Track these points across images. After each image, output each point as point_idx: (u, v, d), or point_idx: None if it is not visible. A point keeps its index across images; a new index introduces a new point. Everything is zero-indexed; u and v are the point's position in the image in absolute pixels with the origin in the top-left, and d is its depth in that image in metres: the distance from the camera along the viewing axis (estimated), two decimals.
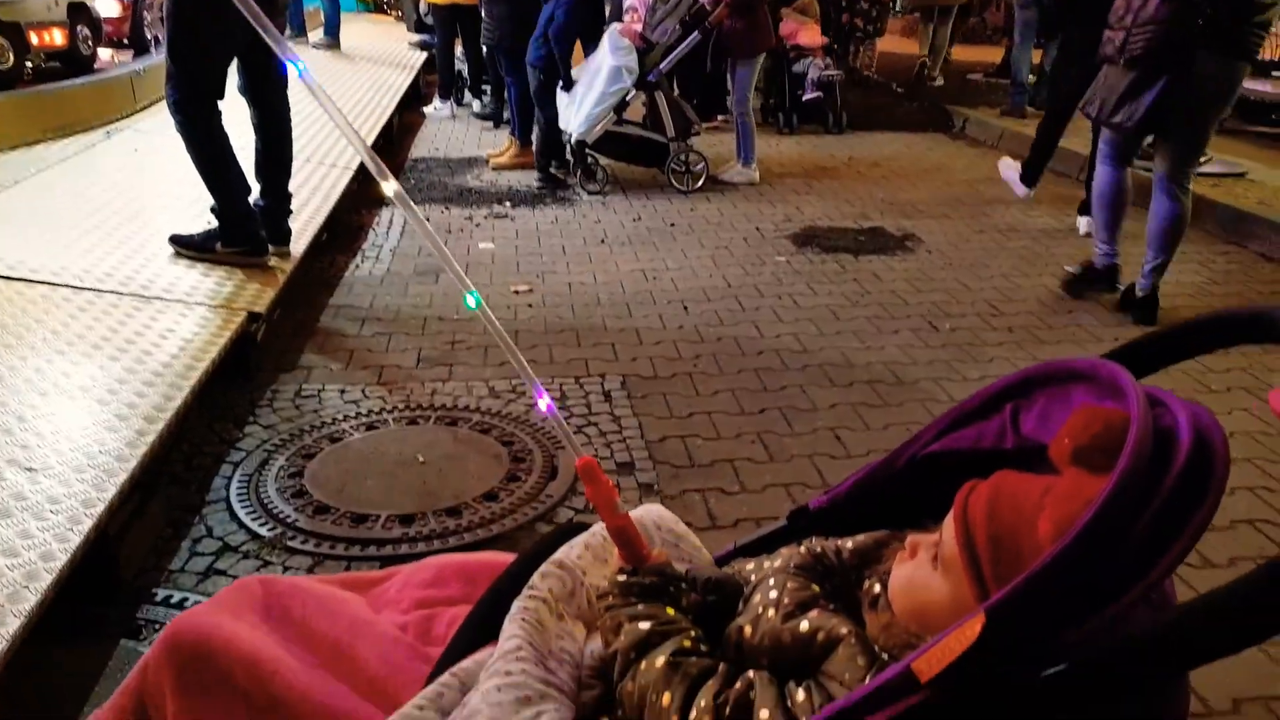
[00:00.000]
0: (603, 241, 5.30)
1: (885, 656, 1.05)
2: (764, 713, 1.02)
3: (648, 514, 1.46)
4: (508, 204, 5.99)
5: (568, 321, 4.17)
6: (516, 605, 1.24)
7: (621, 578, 1.22)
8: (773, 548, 1.41)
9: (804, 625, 1.10)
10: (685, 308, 4.37)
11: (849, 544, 1.27)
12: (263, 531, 2.62)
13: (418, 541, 2.60)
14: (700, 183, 6.37)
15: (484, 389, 3.49)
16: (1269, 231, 5.27)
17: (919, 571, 1.10)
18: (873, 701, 0.93)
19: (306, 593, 1.35)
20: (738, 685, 1.06)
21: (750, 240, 5.37)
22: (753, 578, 1.30)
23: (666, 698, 1.07)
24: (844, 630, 1.08)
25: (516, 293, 4.47)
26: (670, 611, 1.18)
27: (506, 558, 1.54)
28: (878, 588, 1.17)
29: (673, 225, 5.63)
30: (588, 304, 4.38)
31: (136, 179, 5.03)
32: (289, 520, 2.67)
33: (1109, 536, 0.90)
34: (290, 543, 2.58)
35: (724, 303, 4.42)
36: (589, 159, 6.40)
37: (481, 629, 1.24)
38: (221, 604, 1.34)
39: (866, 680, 1.01)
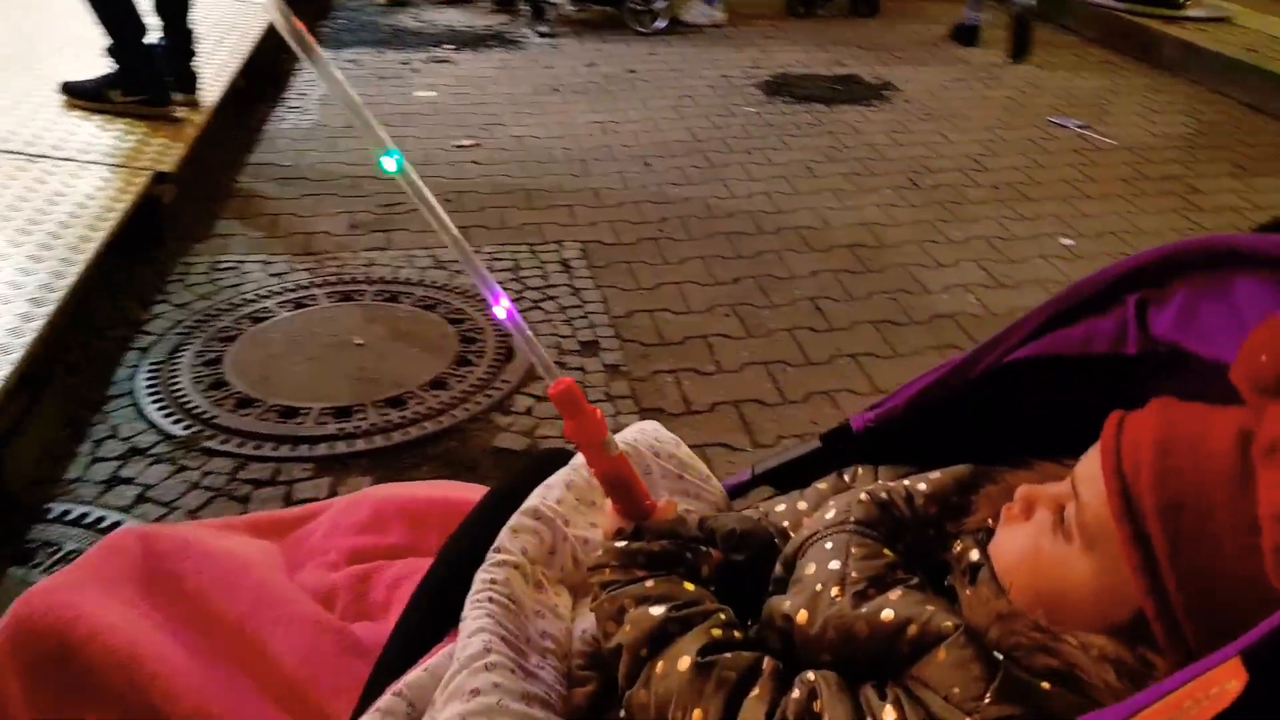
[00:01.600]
0: (555, 90, 4.83)
1: (1002, 658, 0.77)
2: None
3: (642, 438, 1.17)
4: (449, 47, 5.44)
5: (518, 181, 3.77)
6: (481, 576, 0.94)
7: (621, 543, 0.93)
8: (805, 479, 1.15)
9: (887, 613, 0.83)
10: (647, 164, 3.98)
11: (922, 486, 0.99)
12: (176, 430, 2.29)
13: (356, 438, 2.29)
14: (662, 23, 5.85)
15: (427, 259, 3.12)
16: (1258, 81, 4.95)
17: (1045, 541, 0.84)
18: None
19: (201, 554, 1.04)
20: (795, 694, 0.79)
21: (717, 88, 4.94)
22: (792, 532, 1.02)
23: (698, 714, 0.79)
24: (947, 624, 0.80)
25: (459, 148, 4.03)
26: (689, 587, 0.90)
27: (462, 491, 1.24)
28: (975, 553, 0.90)
29: (632, 72, 5.15)
30: (540, 161, 3.97)
31: (21, 17, 4.43)
32: (206, 416, 2.33)
33: None
34: (208, 443, 2.25)
35: (690, 159, 4.04)
36: None
37: (433, 611, 0.95)
38: (89, 574, 1.02)
39: (986, 698, 0.74)
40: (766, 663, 0.83)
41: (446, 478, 2.16)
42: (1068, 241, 3.46)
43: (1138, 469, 0.77)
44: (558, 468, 1.12)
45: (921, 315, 2.97)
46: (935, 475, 1.02)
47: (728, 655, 0.83)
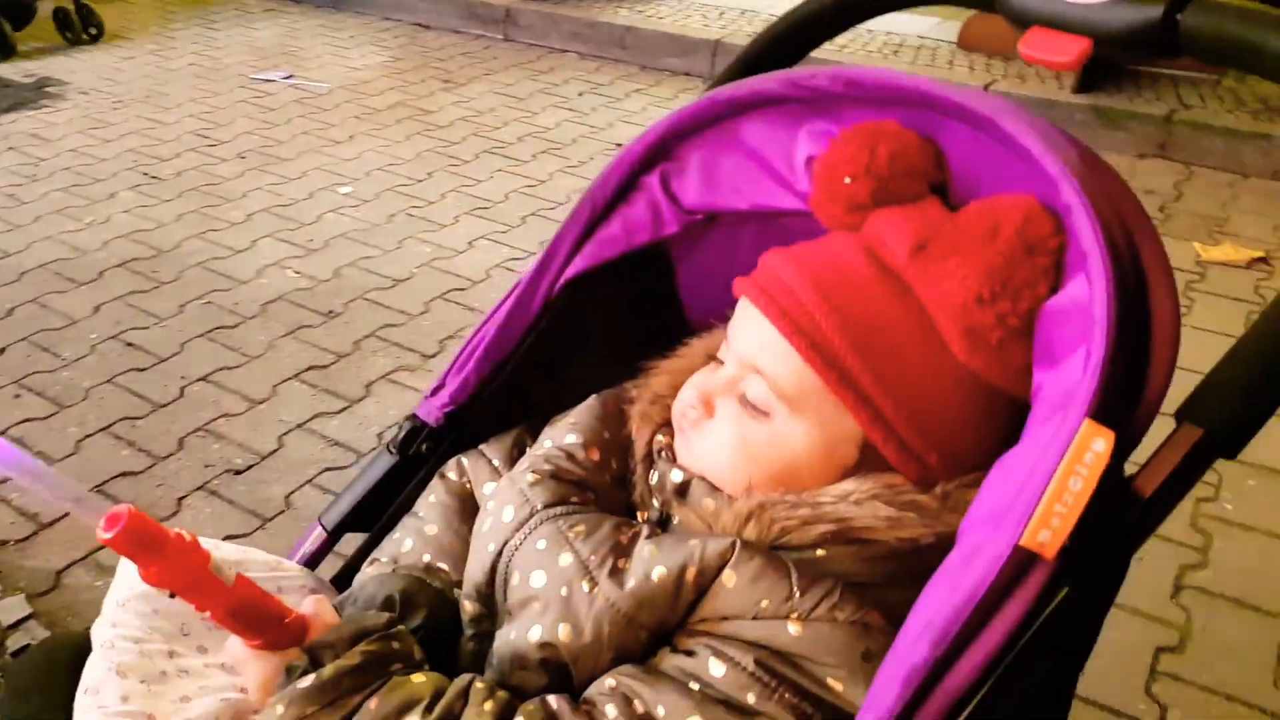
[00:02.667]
0: None
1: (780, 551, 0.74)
2: None
3: (216, 550, 0.80)
4: None
5: None
6: None
7: (305, 682, 0.69)
8: (401, 503, 0.98)
9: (658, 571, 0.73)
10: None
11: (572, 438, 0.88)
12: None
13: None
14: None
15: None
16: (416, 1, 5.23)
17: (746, 428, 0.79)
18: (982, 612, 0.59)
19: None
20: (611, 712, 0.70)
21: None
22: (446, 568, 0.89)
23: None
24: (719, 547, 0.73)
25: None
26: (418, 679, 0.72)
27: None
28: (676, 474, 0.82)
29: None
30: None
31: None
32: None
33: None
34: None
35: None
36: None
37: None
38: None
39: (796, 593, 0.70)
40: (558, 702, 0.71)
41: None
42: (346, 189, 3.32)
43: (814, 320, 0.76)
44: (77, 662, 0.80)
45: (250, 308, 2.62)
46: (570, 421, 0.90)
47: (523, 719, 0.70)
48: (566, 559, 0.76)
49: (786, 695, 0.68)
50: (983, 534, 0.63)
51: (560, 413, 0.96)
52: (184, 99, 4.09)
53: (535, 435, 0.95)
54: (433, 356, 2.46)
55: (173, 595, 0.69)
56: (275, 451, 2.10)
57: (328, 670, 0.70)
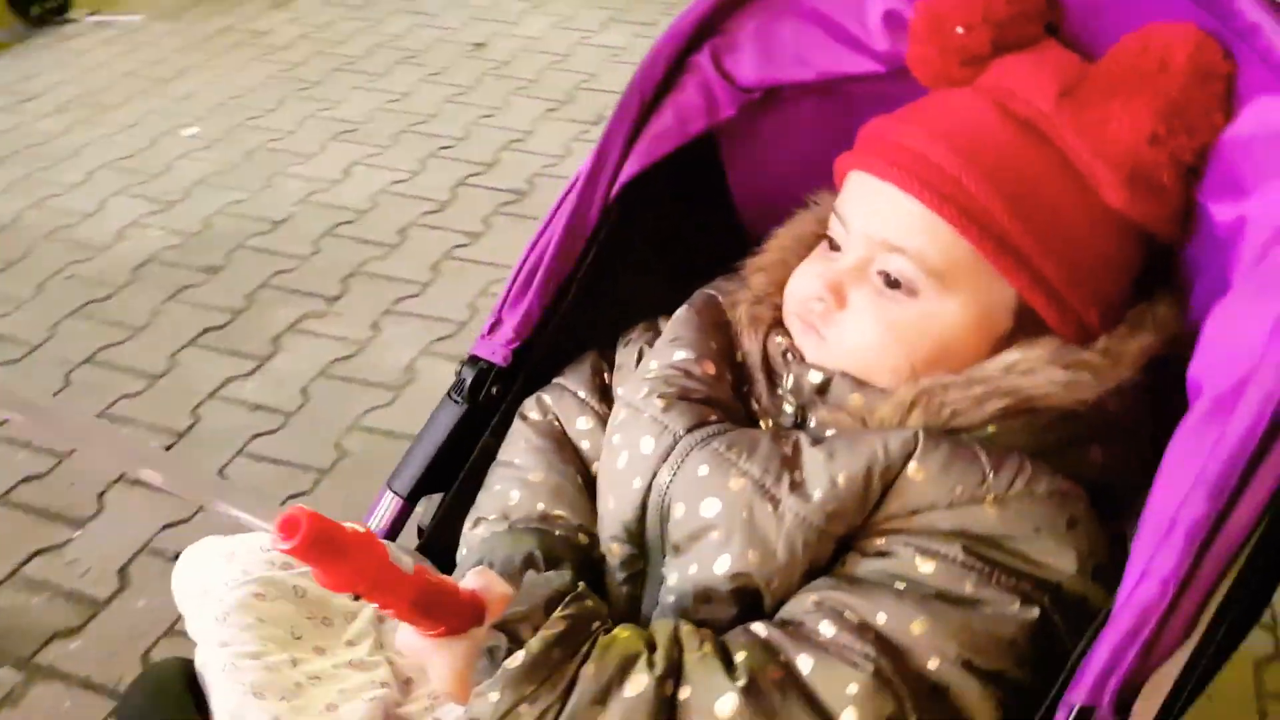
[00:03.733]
0: None
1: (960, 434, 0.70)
2: (917, 628, 0.64)
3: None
4: None
5: None
6: None
7: (515, 661, 0.63)
8: (480, 457, 0.90)
9: (840, 477, 0.68)
10: None
11: (682, 354, 0.80)
12: None
13: None
14: None
15: None
16: None
17: (891, 312, 0.73)
18: (1255, 458, 0.56)
19: None
20: (833, 635, 0.65)
21: None
22: (555, 509, 0.83)
23: None
24: (902, 439, 0.68)
25: None
26: (624, 634, 0.67)
27: None
28: (813, 375, 0.76)
29: None
30: None
31: None
32: None
33: None
34: None
35: None
36: None
37: None
38: None
39: (989, 473, 0.67)
40: (767, 630, 0.67)
41: None
42: (190, 131, 3.02)
43: (961, 186, 0.71)
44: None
45: (119, 275, 2.36)
46: (671, 336, 0.82)
47: (743, 657, 0.64)
48: (737, 481, 0.70)
49: (1003, 578, 0.66)
50: (1222, 380, 0.60)
51: (623, 331, 0.90)
52: None
53: (609, 360, 0.90)
54: (338, 298, 2.28)
55: (357, 598, 0.62)
56: (192, 426, 1.91)
57: (535, 644, 0.63)
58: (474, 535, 0.83)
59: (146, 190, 2.71)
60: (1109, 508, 0.70)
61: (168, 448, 1.86)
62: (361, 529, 0.60)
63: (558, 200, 0.91)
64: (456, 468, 0.91)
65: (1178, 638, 0.58)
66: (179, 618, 0.84)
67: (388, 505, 0.90)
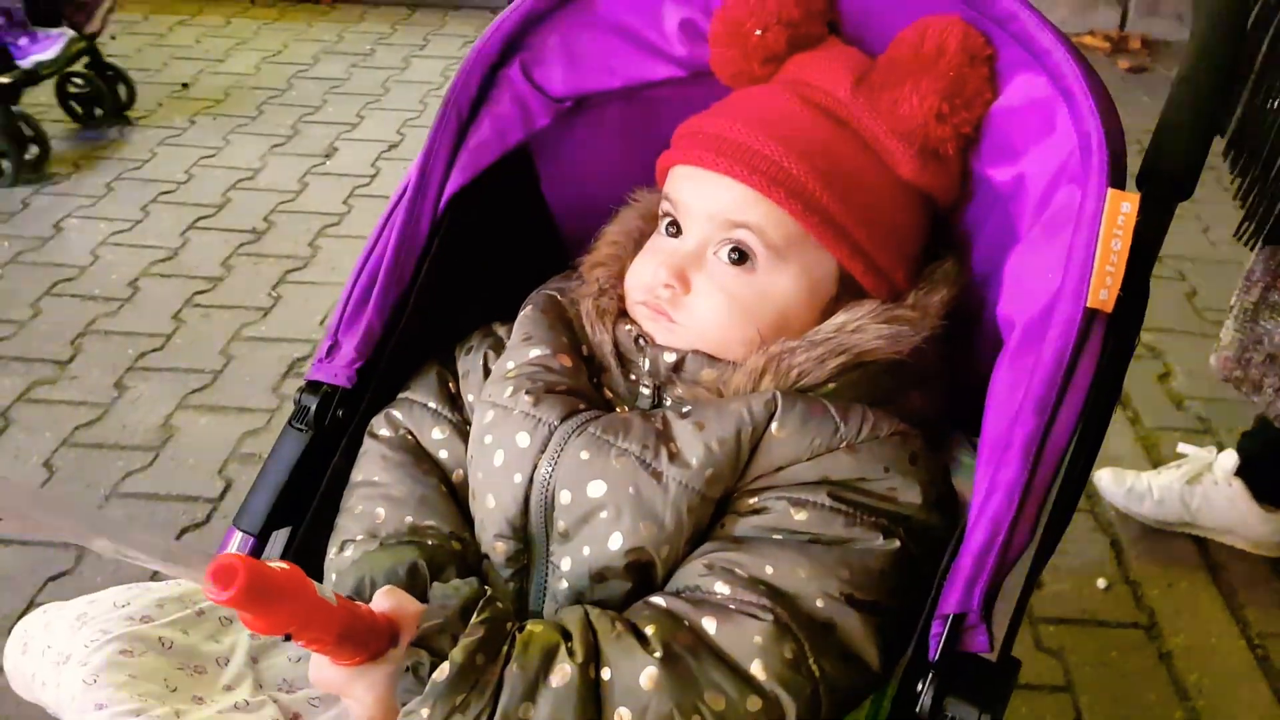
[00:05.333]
0: None
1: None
2: (801, 572, 0.70)
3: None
4: None
5: None
6: None
7: (443, 675, 0.64)
8: (335, 477, 0.89)
9: (711, 443, 0.74)
10: None
11: (536, 351, 0.84)
12: None
13: None
14: None
15: None
16: None
17: (732, 287, 0.80)
18: (1067, 373, 0.67)
19: None
20: (730, 590, 0.70)
21: None
22: (441, 502, 0.84)
23: (713, 699, 0.66)
24: (763, 401, 0.75)
25: None
26: (538, 627, 0.69)
27: None
28: (668, 355, 0.81)
29: None
30: None
31: None
32: None
33: None
34: None
35: None
36: None
37: None
38: None
39: (840, 423, 0.75)
40: (669, 601, 0.71)
41: None
42: None
43: (784, 169, 0.77)
44: None
45: None
46: (522, 335, 0.86)
47: (653, 630, 0.68)
48: (619, 461, 0.74)
49: (865, 516, 0.73)
50: (1029, 313, 0.70)
51: (457, 341, 0.92)
52: None
53: (451, 369, 0.91)
54: (69, 361, 2.09)
55: (287, 638, 0.58)
56: None
57: (458, 654, 0.65)
58: (343, 559, 0.81)
59: None
60: (931, 444, 0.80)
61: None
62: (286, 566, 0.58)
63: (382, 218, 0.91)
64: (306, 497, 0.88)
65: (1025, 540, 0.67)
66: None
67: (236, 545, 0.86)
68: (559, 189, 1.01)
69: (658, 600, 0.71)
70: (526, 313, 0.88)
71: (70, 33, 2.82)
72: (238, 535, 0.86)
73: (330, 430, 0.89)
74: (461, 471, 0.84)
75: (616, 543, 0.74)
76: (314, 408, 0.88)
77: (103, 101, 3.04)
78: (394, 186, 0.93)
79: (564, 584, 0.77)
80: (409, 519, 0.81)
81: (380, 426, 0.88)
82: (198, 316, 2.25)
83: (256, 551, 0.86)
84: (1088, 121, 0.70)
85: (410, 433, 0.87)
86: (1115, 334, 0.68)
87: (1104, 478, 1.72)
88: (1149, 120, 0.75)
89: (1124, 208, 0.65)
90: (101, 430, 1.91)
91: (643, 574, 0.75)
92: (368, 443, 0.88)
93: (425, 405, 0.88)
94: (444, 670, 0.64)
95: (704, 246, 0.80)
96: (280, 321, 2.24)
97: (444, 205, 0.90)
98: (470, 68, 0.90)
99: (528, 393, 0.79)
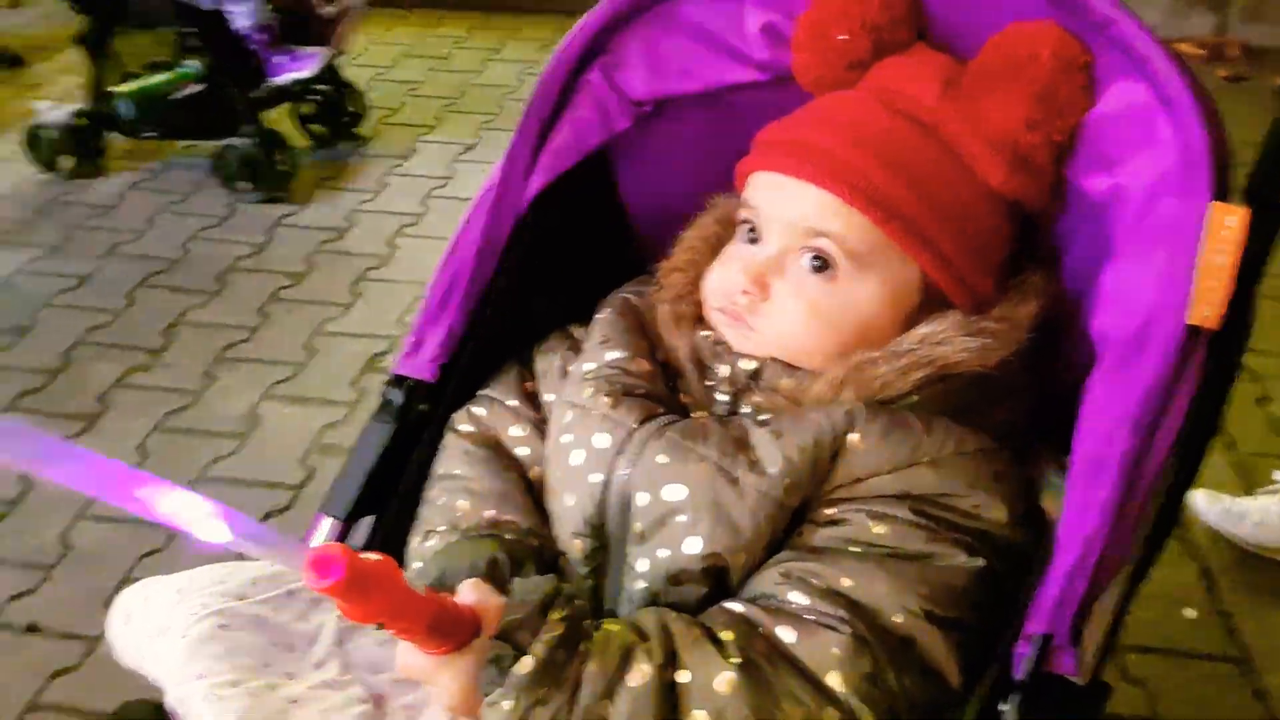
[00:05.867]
0: None
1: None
2: (880, 586, 0.69)
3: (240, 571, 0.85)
4: None
5: None
6: None
7: (524, 668, 0.65)
8: (414, 473, 0.90)
9: (790, 452, 0.73)
10: None
11: (614, 354, 0.84)
12: None
13: None
14: None
15: None
16: None
17: (813, 294, 0.78)
18: (1167, 393, 0.66)
19: None
20: (810, 604, 0.69)
21: None
22: (507, 514, 0.83)
23: (791, 709, 0.66)
24: (844, 411, 0.74)
25: None
26: (614, 627, 0.70)
27: None
28: (745, 362, 0.80)
29: None
30: None
31: None
32: None
33: None
34: None
35: None
36: None
37: None
38: None
39: (924, 435, 0.73)
40: (744, 607, 0.71)
41: None
42: None
43: (866, 177, 0.76)
44: None
45: None
46: (599, 339, 0.86)
47: (730, 635, 0.68)
48: (698, 466, 0.74)
49: (948, 532, 0.72)
50: (1127, 329, 0.69)
51: (535, 340, 0.93)
52: None
53: (528, 368, 0.92)
54: (163, 350, 2.16)
55: (380, 627, 0.61)
56: (26, 493, 1.76)
57: (540, 648, 0.66)
58: (425, 548, 0.83)
59: None
60: (1016, 459, 0.78)
61: (1, 518, 1.72)
62: (380, 558, 0.60)
63: (463, 219, 0.93)
64: (390, 488, 0.90)
65: (1117, 561, 0.65)
66: None
67: (325, 531, 0.88)
68: (637, 192, 1.01)
69: (734, 606, 0.71)
70: (604, 316, 0.88)
71: (330, 50, 2.85)
72: (326, 521, 0.89)
73: (414, 423, 0.91)
74: (539, 468, 0.85)
75: (693, 547, 0.74)
76: (399, 401, 0.90)
77: (338, 117, 3.07)
78: (471, 189, 0.95)
79: (640, 584, 0.77)
80: (489, 513, 0.82)
81: (461, 421, 0.90)
82: (282, 311, 2.31)
83: (342, 537, 0.89)
84: (1191, 130, 0.68)
85: (490, 429, 0.89)
86: (1217, 354, 0.66)
87: (1198, 498, 1.67)
88: (1247, 131, 0.73)
89: (1228, 221, 0.63)
90: (192, 416, 1.97)
91: (718, 579, 0.74)
92: (449, 437, 0.89)
93: (504, 403, 0.89)
94: (526, 664, 0.65)
95: (784, 254, 0.79)
96: (360, 318, 2.29)
97: (525, 208, 0.91)
98: (552, 71, 0.91)
99: (606, 394, 0.79)
